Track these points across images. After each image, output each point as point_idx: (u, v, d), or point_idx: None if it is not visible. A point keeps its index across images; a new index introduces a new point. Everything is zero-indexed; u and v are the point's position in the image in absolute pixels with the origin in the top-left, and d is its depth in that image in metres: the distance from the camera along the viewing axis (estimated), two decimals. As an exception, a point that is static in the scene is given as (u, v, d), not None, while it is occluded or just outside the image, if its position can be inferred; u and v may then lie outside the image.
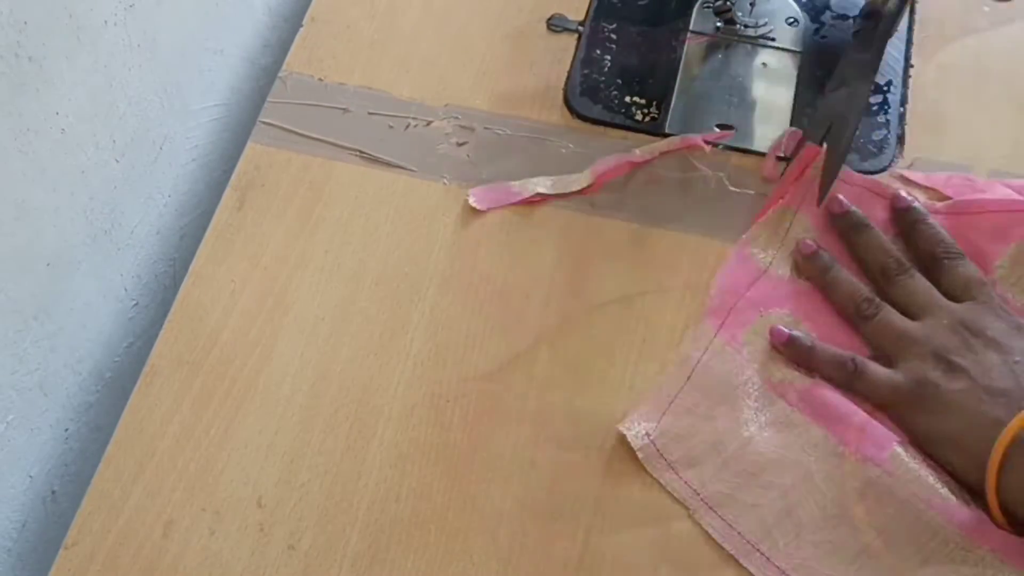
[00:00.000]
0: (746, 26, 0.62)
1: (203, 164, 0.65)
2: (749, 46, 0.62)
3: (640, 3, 0.65)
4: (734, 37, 0.62)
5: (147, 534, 0.48)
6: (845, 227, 0.53)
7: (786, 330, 0.50)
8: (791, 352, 0.50)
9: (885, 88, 0.60)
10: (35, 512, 0.54)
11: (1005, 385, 0.44)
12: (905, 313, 0.49)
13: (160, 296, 0.62)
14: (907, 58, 0.61)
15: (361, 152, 0.60)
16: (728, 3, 0.62)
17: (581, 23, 0.64)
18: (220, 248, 0.57)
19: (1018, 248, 0.50)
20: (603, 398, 0.50)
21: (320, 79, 0.63)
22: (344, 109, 0.62)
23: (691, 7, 0.64)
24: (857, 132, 0.55)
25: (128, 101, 0.55)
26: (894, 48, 0.62)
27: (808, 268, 0.52)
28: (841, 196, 0.54)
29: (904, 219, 0.52)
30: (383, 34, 0.65)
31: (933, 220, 0.52)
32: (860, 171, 0.56)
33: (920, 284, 0.49)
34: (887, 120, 0.59)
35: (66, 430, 0.55)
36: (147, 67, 0.56)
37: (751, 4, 0.63)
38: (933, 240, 0.51)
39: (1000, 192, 0.53)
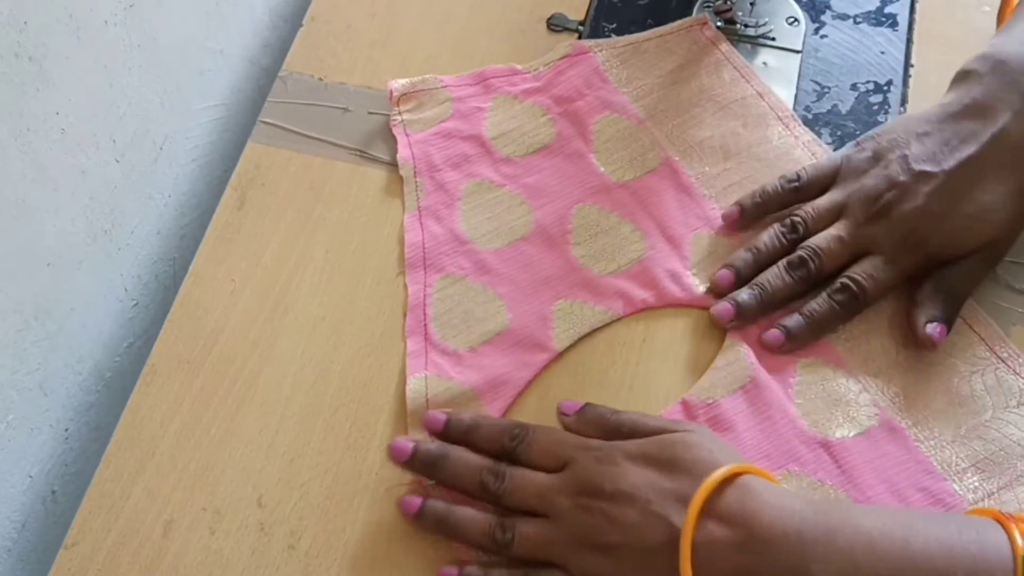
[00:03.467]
0: (746, 25, 0.63)
1: (203, 164, 0.65)
2: (749, 45, 0.62)
3: (640, 2, 0.65)
4: (734, 36, 0.62)
5: (147, 534, 0.48)
6: (421, 466, 0.48)
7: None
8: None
9: (885, 88, 0.60)
10: (35, 512, 0.54)
11: (660, 537, 0.41)
12: (531, 512, 0.45)
13: (160, 296, 0.62)
14: (907, 58, 0.61)
15: (361, 152, 0.60)
16: (728, 2, 0.63)
17: (581, 23, 0.64)
18: (220, 248, 0.57)
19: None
20: (603, 398, 0.50)
21: (320, 79, 0.63)
22: (344, 109, 0.62)
23: (691, 6, 0.64)
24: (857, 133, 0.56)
25: (128, 101, 0.55)
26: (894, 48, 0.62)
27: (422, 525, 0.47)
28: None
29: (455, 434, 0.48)
30: (383, 34, 0.65)
31: (480, 420, 0.48)
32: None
33: (519, 480, 0.45)
34: (887, 120, 0.59)
35: (66, 430, 0.55)
36: (147, 67, 0.56)
37: (751, 3, 0.63)
38: (497, 432, 0.47)
39: None
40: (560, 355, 0.52)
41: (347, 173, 0.59)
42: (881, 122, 0.59)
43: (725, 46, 0.61)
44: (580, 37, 0.63)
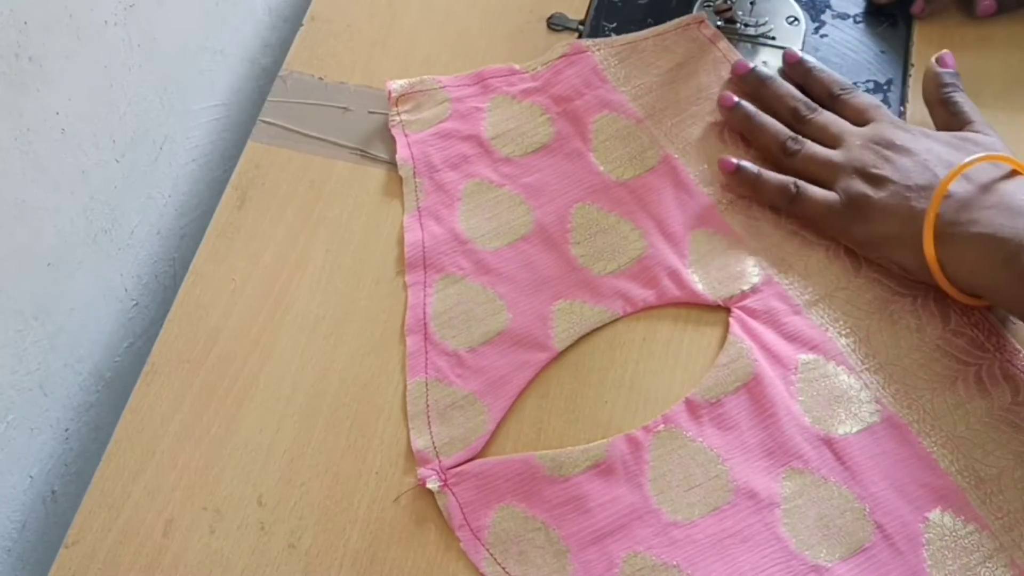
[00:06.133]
0: (746, 25, 0.63)
1: (203, 164, 0.65)
2: (749, 45, 0.62)
3: (640, 2, 0.65)
4: (734, 36, 0.62)
5: (147, 533, 0.48)
6: (753, 83, 0.58)
7: (733, 160, 0.55)
8: (739, 179, 0.55)
9: (885, 88, 0.60)
10: (35, 512, 0.54)
11: (923, 180, 0.50)
12: (822, 144, 0.55)
13: (160, 296, 0.62)
14: (907, 58, 0.61)
15: (362, 151, 0.60)
16: (728, 2, 0.63)
17: (581, 22, 0.64)
18: (220, 247, 0.57)
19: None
20: (603, 398, 0.50)
21: (320, 78, 0.63)
22: (344, 108, 0.62)
23: (691, 6, 0.64)
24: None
25: (128, 101, 0.55)
26: (894, 48, 0.62)
27: (732, 119, 0.58)
28: (742, 58, 0.60)
29: (797, 71, 0.59)
30: (383, 33, 0.65)
31: (822, 66, 0.58)
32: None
33: (828, 118, 0.56)
34: (887, 119, 0.59)
35: (66, 430, 0.55)
36: (147, 67, 0.56)
37: (751, 3, 0.63)
38: (828, 81, 0.57)
39: None
40: (560, 355, 0.52)
41: (347, 173, 0.59)
42: (881, 121, 0.59)
43: (724, 44, 0.61)
44: (580, 37, 0.63)
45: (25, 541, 0.53)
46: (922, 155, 0.51)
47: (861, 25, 0.63)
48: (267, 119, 0.61)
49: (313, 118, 0.61)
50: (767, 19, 0.63)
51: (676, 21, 0.62)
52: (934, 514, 0.46)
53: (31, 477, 0.53)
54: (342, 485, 0.49)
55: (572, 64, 0.61)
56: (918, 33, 0.62)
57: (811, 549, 0.46)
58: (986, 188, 0.48)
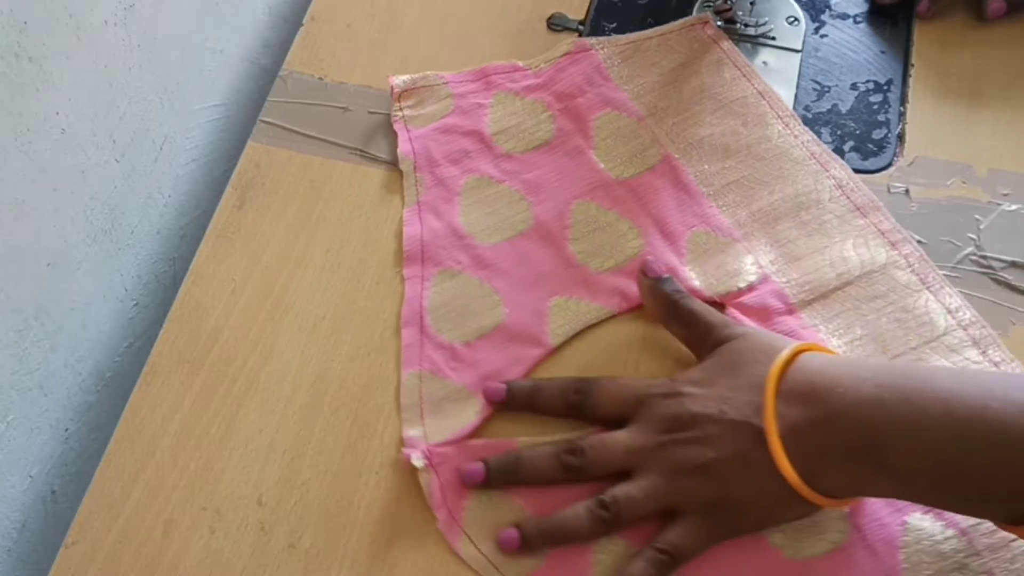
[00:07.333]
0: (746, 25, 0.63)
1: (203, 164, 0.65)
2: (749, 45, 0.62)
3: (640, 2, 0.65)
4: (734, 36, 0.62)
5: (147, 533, 0.48)
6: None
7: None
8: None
9: (885, 87, 0.60)
10: (35, 512, 0.54)
11: (741, 444, 0.43)
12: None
13: (160, 296, 0.62)
14: (907, 58, 0.61)
15: (362, 151, 0.60)
16: (728, 2, 0.63)
17: (581, 22, 0.64)
18: (220, 247, 0.57)
19: None
20: None
21: (320, 78, 0.63)
22: (344, 108, 0.62)
23: (691, 6, 0.64)
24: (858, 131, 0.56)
25: (128, 101, 0.55)
26: (894, 48, 0.62)
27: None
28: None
29: (520, 399, 0.50)
30: (383, 33, 0.65)
31: (542, 383, 0.50)
32: (861, 170, 0.56)
33: (600, 445, 0.46)
34: (887, 119, 0.59)
35: (66, 430, 0.55)
36: (147, 67, 0.56)
37: (751, 3, 0.63)
38: (559, 391, 0.49)
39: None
40: (557, 351, 0.52)
41: (347, 172, 0.59)
42: (882, 121, 0.59)
43: (727, 44, 0.61)
44: (580, 36, 0.63)
45: (25, 541, 0.53)
46: (716, 411, 0.44)
47: (861, 25, 0.63)
48: (267, 119, 0.61)
49: (313, 118, 0.61)
50: (767, 19, 0.63)
51: (680, 21, 0.62)
52: (914, 517, 0.46)
53: (31, 477, 0.53)
54: (342, 485, 0.49)
55: (575, 62, 0.61)
56: (918, 33, 0.62)
57: (787, 547, 0.45)
58: (808, 398, 0.42)
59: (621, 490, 0.45)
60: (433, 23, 0.65)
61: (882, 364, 0.43)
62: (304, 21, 0.66)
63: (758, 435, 0.43)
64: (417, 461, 0.48)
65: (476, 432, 0.49)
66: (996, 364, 0.49)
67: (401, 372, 0.51)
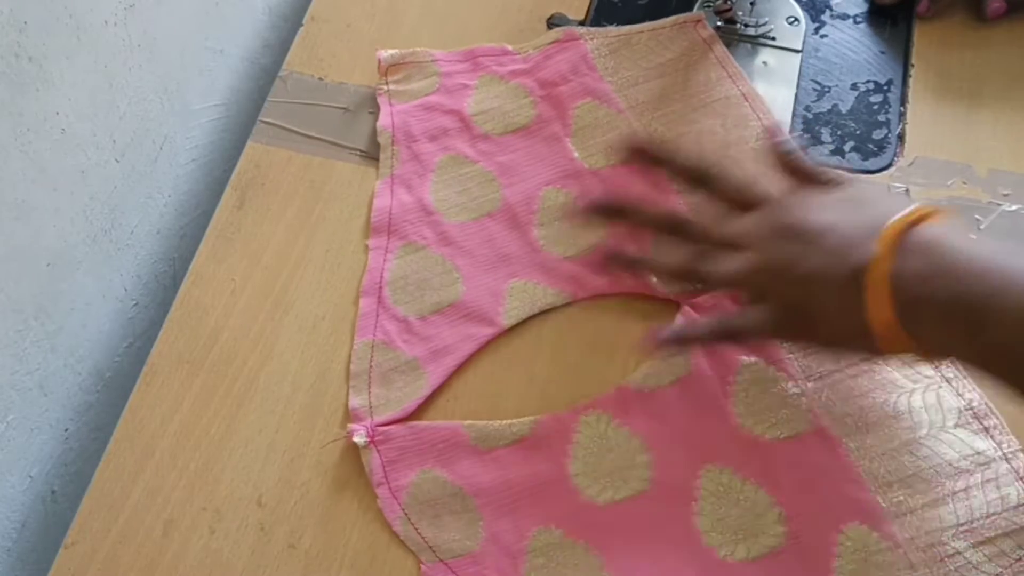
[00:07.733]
0: (746, 25, 0.62)
1: (203, 164, 0.65)
2: (749, 45, 0.62)
3: (640, 2, 0.65)
4: (734, 36, 0.62)
5: (147, 533, 0.48)
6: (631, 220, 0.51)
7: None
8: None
9: (885, 87, 0.60)
10: (35, 512, 0.54)
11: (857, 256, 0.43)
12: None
13: (160, 296, 0.62)
14: (907, 58, 0.61)
15: (361, 151, 0.60)
16: (728, 2, 0.62)
17: (581, 22, 0.64)
18: (220, 247, 0.57)
19: None
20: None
21: (320, 78, 0.63)
22: (344, 108, 0.62)
23: (691, 6, 0.64)
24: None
25: (128, 101, 0.55)
26: (894, 48, 0.62)
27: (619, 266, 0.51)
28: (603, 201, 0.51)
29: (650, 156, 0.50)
30: (383, 33, 0.65)
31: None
32: (862, 171, 0.56)
33: (725, 217, 0.48)
34: (887, 119, 0.59)
35: (66, 430, 0.55)
36: (147, 67, 0.56)
37: (751, 3, 0.63)
38: (695, 160, 0.49)
39: None
40: (507, 332, 0.52)
41: (347, 173, 0.59)
42: (882, 121, 0.59)
43: (719, 48, 0.60)
44: (578, 35, 0.63)
45: (25, 541, 0.53)
46: (839, 226, 0.44)
47: (861, 25, 0.63)
48: (267, 119, 0.61)
49: (313, 118, 0.61)
50: (767, 19, 0.63)
51: (673, 18, 0.62)
52: (850, 527, 0.45)
53: (31, 477, 0.53)
54: (342, 485, 0.49)
55: (563, 50, 0.61)
56: (918, 33, 0.62)
57: (722, 546, 0.46)
58: (929, 250, 0.42)
59: (726, 260, 0.46)
60: (433, 23, 0.65)
61: (1006, 247, 0.43)
62: (304, 21, 0.66)
63: (864, 261, 0.42)
64: (359, 439, 0.49)
65: (421, 410, 0.50)
66: (947, 380, 0.49)
67: (354, 340, 0.52)
